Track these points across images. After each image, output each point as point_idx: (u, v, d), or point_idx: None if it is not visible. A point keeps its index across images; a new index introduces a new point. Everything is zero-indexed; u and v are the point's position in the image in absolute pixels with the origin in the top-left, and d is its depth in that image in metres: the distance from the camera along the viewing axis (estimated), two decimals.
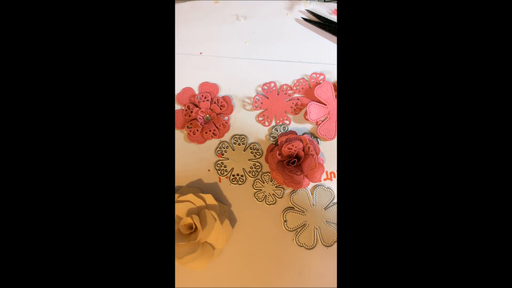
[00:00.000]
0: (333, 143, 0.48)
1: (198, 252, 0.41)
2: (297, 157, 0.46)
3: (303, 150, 0.45)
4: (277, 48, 0.51)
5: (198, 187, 0.48)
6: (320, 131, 0.48)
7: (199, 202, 0.44)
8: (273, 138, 0.49)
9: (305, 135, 0.47)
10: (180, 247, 0.42)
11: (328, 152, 0.48)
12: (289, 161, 0.45)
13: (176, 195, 0.45)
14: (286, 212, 0.47)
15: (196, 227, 0.43)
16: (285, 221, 0.47)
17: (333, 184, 0.47)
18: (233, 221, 0.47)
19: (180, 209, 0.44)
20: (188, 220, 0.43)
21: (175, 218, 0.44)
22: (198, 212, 0.44)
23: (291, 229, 0.47)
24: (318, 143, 0.48)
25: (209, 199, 0.45)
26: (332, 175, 0.47)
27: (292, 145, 0.45)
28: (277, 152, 0.45)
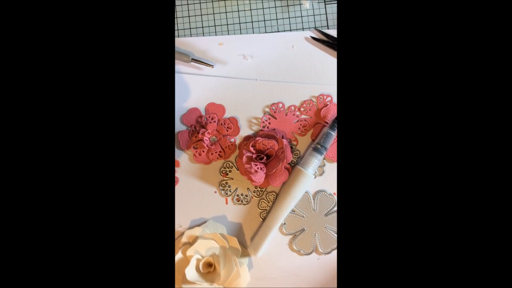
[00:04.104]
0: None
1: None
2: (268, 155, 0.46)
3: (276, 152, 0.46)
4: (285, 78, 0.49)
5: (223, 225, 0.48)
6: (327, 153, 0.48)
7: (222, 243, 0.45)
8: None
9: (283, 139, 0.47)
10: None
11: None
12: (258, 156, 0.46)
13: (200, 229, 0.46)
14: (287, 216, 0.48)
15: (214, 268, 0.44)
16: (284, 224, 0.47)
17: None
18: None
19: (203, 246, 0.45)
20: (209, 260, 0.44)
21: (194, 255, 0.45)
22: (220, 252, 0.45)
23: (289, 233, 0.47)
24: (324, 165, 0.48)
25: (233, 242, 0.46)
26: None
27: (267, 143, 0.45)
28: (251, 143, 0.46)
